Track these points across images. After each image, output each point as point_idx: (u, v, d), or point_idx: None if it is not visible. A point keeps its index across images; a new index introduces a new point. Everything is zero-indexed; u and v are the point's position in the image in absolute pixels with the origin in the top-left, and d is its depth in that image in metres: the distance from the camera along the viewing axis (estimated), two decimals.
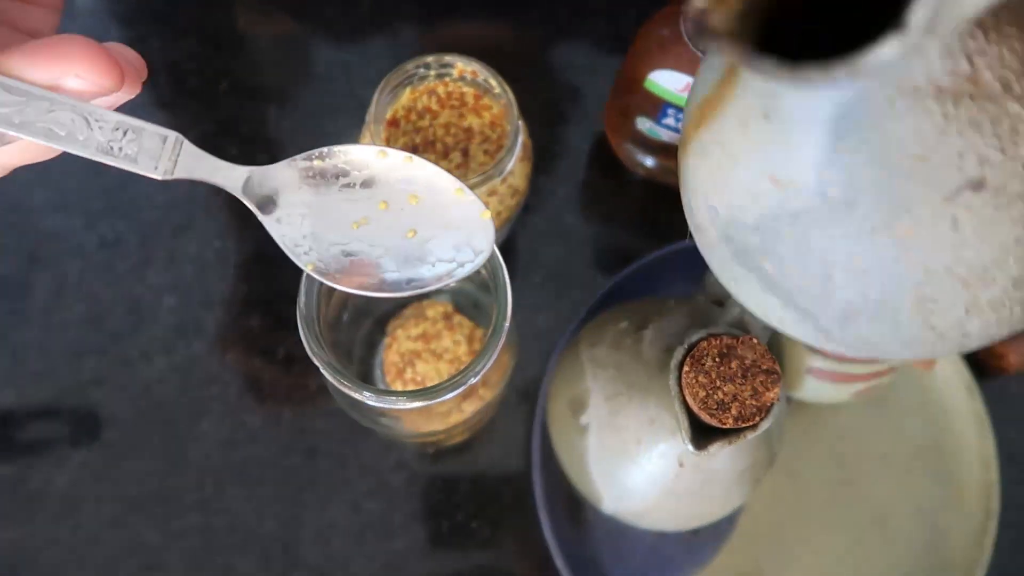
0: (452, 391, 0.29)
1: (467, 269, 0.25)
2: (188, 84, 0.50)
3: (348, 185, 0.25)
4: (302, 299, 0.29)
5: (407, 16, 0.52)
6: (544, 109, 0.50)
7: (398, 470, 0.44)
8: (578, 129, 0.51)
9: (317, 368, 0.45)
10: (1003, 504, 0.44)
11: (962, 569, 0.42)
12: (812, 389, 0.40)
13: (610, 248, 0.49)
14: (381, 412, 0.37)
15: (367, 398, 0.29)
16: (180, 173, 0.21)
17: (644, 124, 0.44)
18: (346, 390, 0.29)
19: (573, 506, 0.43)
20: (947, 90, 0.17)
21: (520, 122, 0.38)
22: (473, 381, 0.29)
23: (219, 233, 0.47)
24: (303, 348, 0.46)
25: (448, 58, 0.38)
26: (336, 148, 0.25)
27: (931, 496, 0.44)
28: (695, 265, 0.41)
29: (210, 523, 0.43)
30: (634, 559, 0.43)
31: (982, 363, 0.47)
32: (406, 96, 0.39)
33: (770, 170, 0.19)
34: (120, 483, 0.44)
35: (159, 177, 0.21)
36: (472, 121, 0.40)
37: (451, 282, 0.25)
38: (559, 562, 0.41)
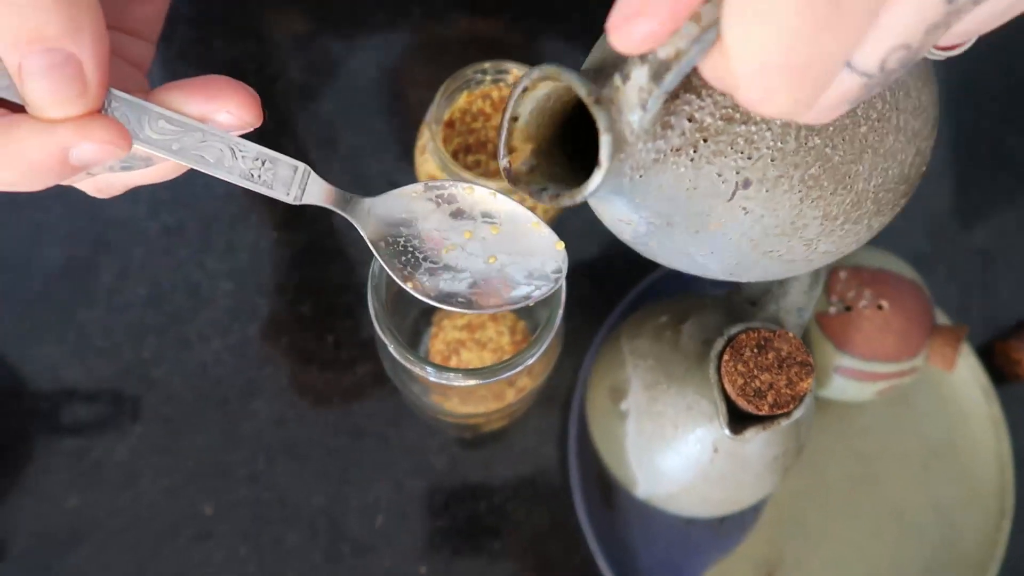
0: (506, 372, 0.32)
1: (543, 292, 0.28)
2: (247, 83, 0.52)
3: (442, 215, 0.27)
4: (372, 282, 0.32)
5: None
6: None
7: (439, 453, 0.47)
8: None
9: (364, 354, 0.48)
10: (1017, 504, 0.46)
11: (976, 565, 0.44)
12: (838, 387, 0.42)
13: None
14: (430, 392, 0.39)
15: (428, 373, 0.31)
16: (307, 200, 0.24)
17: None
18: (408, 364, 0.31)
19: (605, 492, 0.45)
20: (683, 146, 0.23)
21: None
22: (530, 362, 0.31)
23: (276, 224, 0.50)
24: (351, 335, 0.48)
25: (505, 64, 0.40)
26: (432, 183, 0.28)
27: (947, 494, 0.46)
28: None
29: (260, 497, 0.46)
30: (662, 543, 0.45)
31: (999, 369, 0.49)
32: (463, 99, 0.42)
33: (617, 216, 0.26)
34: (177, 456, 0.46)
35: (291, 202, 0.24)
36: None
37: (528, 303, 0.28)
38: (592, 544, 0.43)
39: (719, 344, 0.33)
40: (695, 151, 0.23)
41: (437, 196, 0.28)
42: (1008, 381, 0.49)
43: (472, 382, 0.31)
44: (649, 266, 0.48)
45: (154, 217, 0.50)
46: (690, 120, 0.23)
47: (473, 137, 0.42)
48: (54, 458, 0.46)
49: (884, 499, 0.46)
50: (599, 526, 0.44)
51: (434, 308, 0.47)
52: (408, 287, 0.28)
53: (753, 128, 0.23)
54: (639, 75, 0.20)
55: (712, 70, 0.19)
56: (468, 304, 0.28)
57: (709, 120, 0.23)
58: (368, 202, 0.26)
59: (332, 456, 0.47)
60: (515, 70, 0.40)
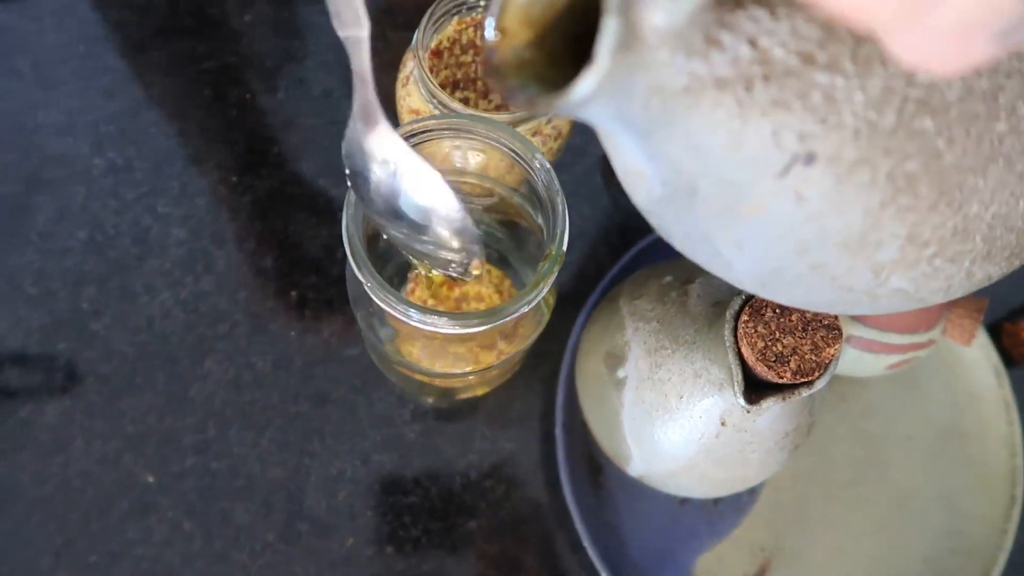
0: (496, 319, 0.28)
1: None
2: (208, 14, 0.47)
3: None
4: (348, 211, 0.27)
5: None
6: None
7: (412, 423, 0.43)
8: None
9: (331, 313, 0.43)
10: None
11: (983, 555, 0.41)
12: (849, 360, 0.39)
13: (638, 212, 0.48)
14: (404, 347, 0.35)
15: (410, 317, 0.27)
16: None
17: None
18: (388, 307, 0.27)
19: (593, 471, 0.42)
20: (731, 79, 0.16)
21: None
22: (524, 310, 0.28)
23: (236, 167, 0.45)
24: (317, 292, 0.44)
25: None
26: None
27: (954, 480, 0.43)
28: None
29: (210, 467, 0.41)
30: (654, 527, 0.41)
31: (1007, 351, 0.47)
32: (452, 27, 0.37)
33: (628, 163, 0.20)
34: (116, 420, 0.41)
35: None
36: None
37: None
38: (579, 526, 0.39)
39: (736, 303, 0.29)
40: (748, 91, 0.16)
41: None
42: (1016, 364, 0.47)
43: (458, 328, 0.27)
44: (642, 231, 0.44)
45: (98, 153, 0.45)
46: (751, 44, 0.16)
47: (462, 72, 0.38)
48: None
49: (888, 484, 0.43)
50: (585, 508, 0.40)
51: (411, 263, 0.43)
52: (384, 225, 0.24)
53: (840, 81, 0.16)
54: None
55: None
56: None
57: (779, 52, 0.16)
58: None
59: (292, 424, 0.42)
60: None
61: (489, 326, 0.28)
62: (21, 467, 0.40)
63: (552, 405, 0.42)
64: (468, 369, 0.35)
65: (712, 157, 0.17)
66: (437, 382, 0.38)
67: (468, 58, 0.38)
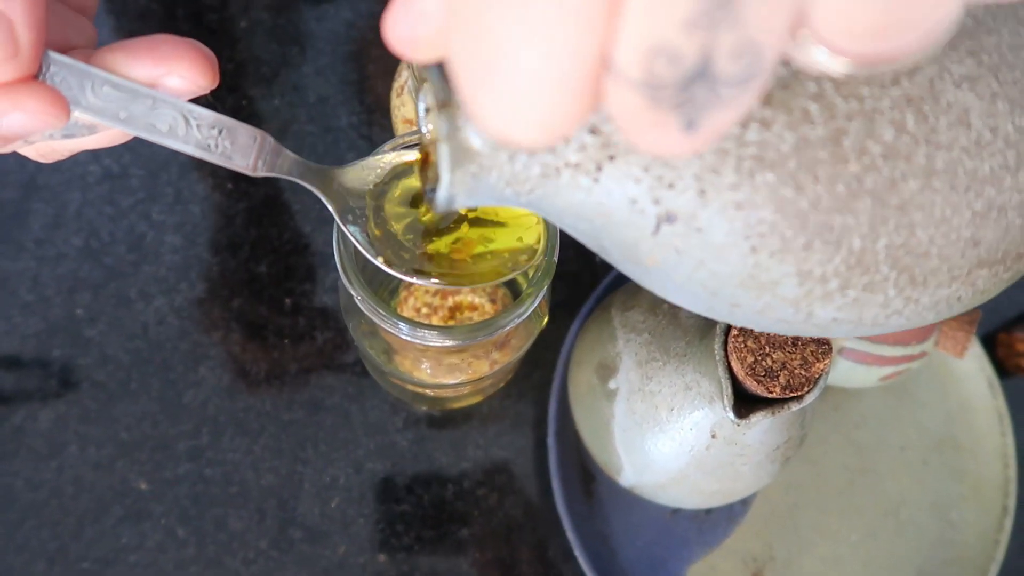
0: (487, 333, 0.28)
1: (525, 265, 0.26)
2: (206, 20, 0.47)
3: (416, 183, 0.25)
4: (339, 230, 0.27)
5: None
6: None
7: (404, 431, 0.43)
8: None
9: (325, 321, 0.43)
10: (1020, 503, 0.43)
11: (976, 565, 0.41)
12: (842, 372, 0.39)
13: None
14: (397, 359, 0.35)
15: (400, 331, 0.27)
16: (269, 171, 0.22)
17: None
18: (379, 320, 0.27)
19: (585, 480, 0.42)
20: (581, 162, 0.17)
21: None
22: (515, 323, 0.28)
23: (231, 175, 0.45)
24: (311, 299, 0.44)
25: None
26: (406, 144, 0.26)
27: (947, 490, 0.43)
28: None
29: (203, 474, 0.41)
30: (645, 536, 0.41)
31: (1001, 361, 0.47)
32: None
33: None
34: (109, 426, 0.41)
35: (252, 174, 0.21)
36: None
37: (512, 275, 0.26)
38: (570, 535, 0.39)
39: None
40: (599, 171, 0.17)
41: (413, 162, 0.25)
42: (1011, 374, 0.47)
43: (448, 342, 0.27)
44: None
45: (95, 161, 0.45)
46: (593, 132, 0.17)
47: None
48: None
49: (881, 494, 0.43)
50: (577, 516, 0.40)
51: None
52: (379, 262, 0.25)
53: None
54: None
55: None
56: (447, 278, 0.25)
57: (619, 135, 0.17)
58: (336, 172, 0.24)
59: (285, 432, 0.42)
60: None
61: (480, 339, 0.28)
62: (14, 473, 0.40)
63: (545, 414, 0.42)
64: (461, 379, 0.36)
65: (596, 223, 0.18)
66: (430, 392, 0.38)
67: None
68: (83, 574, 0.39)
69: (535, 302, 0.28)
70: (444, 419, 0.43)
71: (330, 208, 0.24)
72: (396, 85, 0.38)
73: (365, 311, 0.28)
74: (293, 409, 0.42)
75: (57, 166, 0.44)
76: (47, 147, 0.23)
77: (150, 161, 0.45)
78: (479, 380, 0.36)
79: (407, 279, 0.24)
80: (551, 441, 0.41)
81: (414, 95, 0.36)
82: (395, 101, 0.38)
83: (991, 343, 0.47)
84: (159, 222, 0.44)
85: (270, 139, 0.22)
